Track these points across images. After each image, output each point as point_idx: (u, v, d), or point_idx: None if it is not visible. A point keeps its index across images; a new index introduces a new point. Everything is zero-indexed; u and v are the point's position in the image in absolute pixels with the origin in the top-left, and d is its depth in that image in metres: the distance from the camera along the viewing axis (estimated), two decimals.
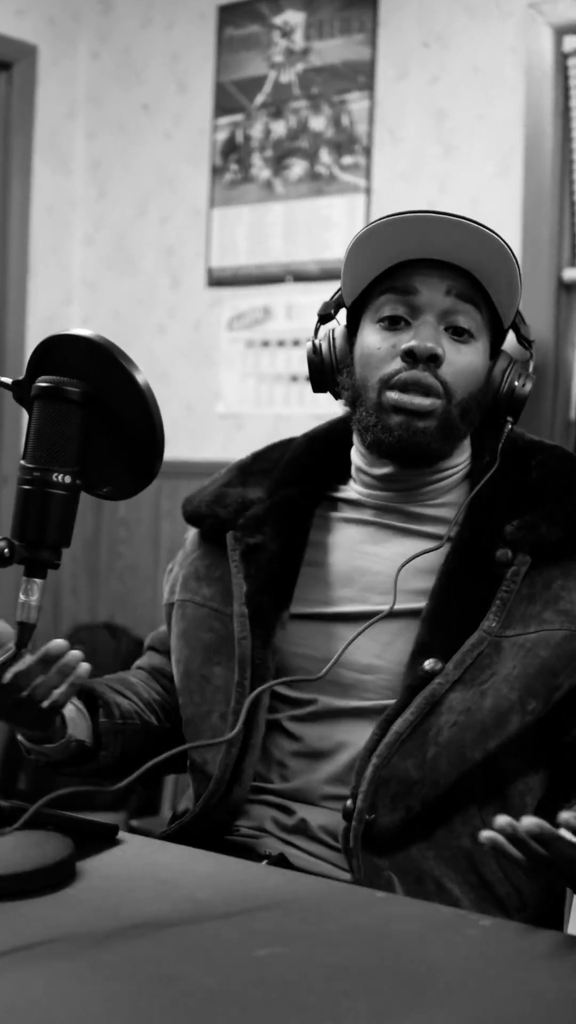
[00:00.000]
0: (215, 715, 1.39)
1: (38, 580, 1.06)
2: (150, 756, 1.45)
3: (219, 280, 3.88)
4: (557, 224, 3.28)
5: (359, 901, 1.04)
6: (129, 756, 1.46)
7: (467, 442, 1.45)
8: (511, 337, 1.47)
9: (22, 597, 1.06)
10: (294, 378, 3.67)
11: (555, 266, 3.28)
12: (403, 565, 1.36)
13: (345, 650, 1.32)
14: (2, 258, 3.98)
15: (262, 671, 1.39)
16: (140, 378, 1.04)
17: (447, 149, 3.45)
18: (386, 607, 1.35)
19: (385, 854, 1.28)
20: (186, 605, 1.48)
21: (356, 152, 3.60)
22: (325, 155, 3.66)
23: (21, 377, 1.09)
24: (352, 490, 1.48)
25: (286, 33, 3.73)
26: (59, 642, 1.25)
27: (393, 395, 1.37)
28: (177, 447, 3.85)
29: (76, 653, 1.26)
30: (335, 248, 3.62)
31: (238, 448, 3.83)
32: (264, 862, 1.30)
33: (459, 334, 1.38)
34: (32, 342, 3.98)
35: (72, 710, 1.39)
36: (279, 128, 3.75)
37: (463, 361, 1.37)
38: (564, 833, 0.99)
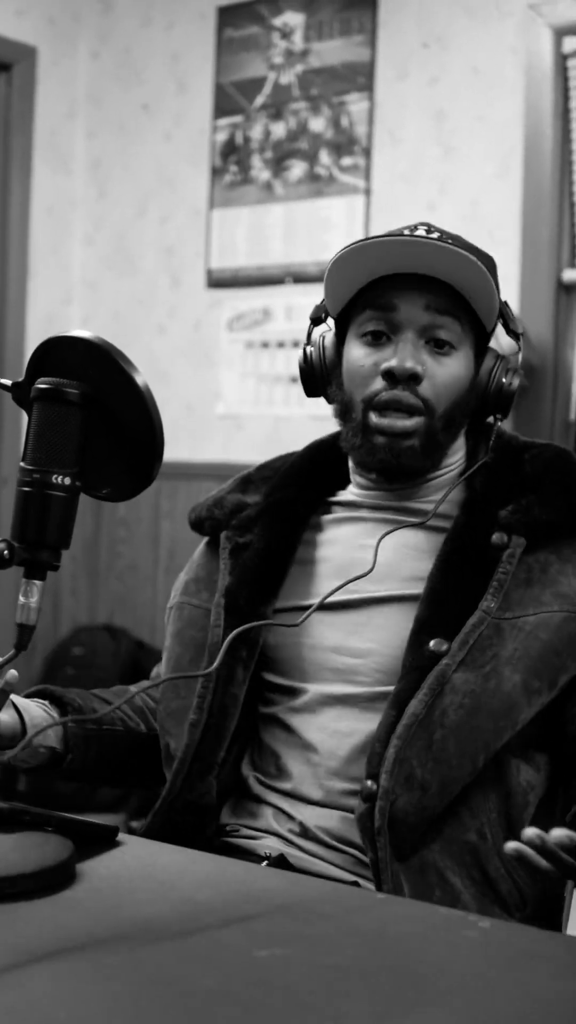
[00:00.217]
0: (198, 711, 1.41)
1: (38, 582, 1.06)
2: (135, 760, 1.46)
3: (219, 281, 3.88)
4: (556, 225, 3.29)
5: (359, 902, 1.04)
6: (110, 761, 1.48)
7: (460, 441, 1.47)
8: (499, 329, 1.49)
9: (21, 599, 1.06)
10: (294, 379, 3.67)
11: (554, 267, 3.29)
12: (384, 535, 1.37)
13: (325, 599, 1.34)
14: (2, 258, 3.98)
15: (231, 662, 1.40)
16: (139, 379, 1.04)
17: (447, 150, 3.45)
18: (380, 592, 1.38)
19: (404, 842, 1.28)
20: (184, 607, 1.51)
21: (356, 153, 3.60)
22: (325, 156, 3.66)
23: (20, 379, 1.09)
24: (349, 492, 1.50)
25: (286, 34, 3.73)
26: None
27: (376, 417, 1.39)
28: (177, 448, 3.85)
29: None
30: (334, 249, 3.62)
31: (238, 449, 3.84)
32: (264, 863, 1.30)
33: (440, 347, 1.39)
34: (32, 342, 3.98)
35: (41, 715, 1.40)
36: (279, 129, 3.75)
37: (445, 374, 1.39)
38: None
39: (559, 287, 3.30)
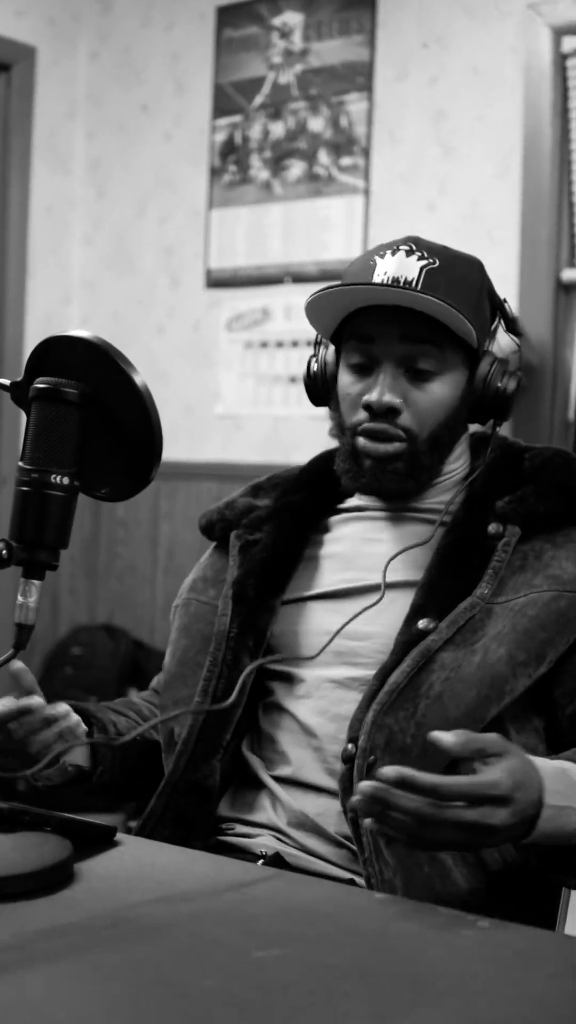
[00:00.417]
0: (197, 695, 1.43)
1: (36, 581, 1.07)
2: (155, 771, 1.46)
3: (218, 281, 3.88)
4: (556, 225, 3.29)
5: (357, 902, 1.04)
6: (132, 772, 1.51)
7: (463, 446, 1.50)
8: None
9: (20, 599, 1.07)
10: (293, 379, 3.67)
11: (554, 267, 3.29)
12: (391, 559, 1.40)
13: (338, 633, 1.36)
14: (1, 258, 3.98)
15: (237, 648, 1.43)
16: (138, 379, 1.04)
17: (446, 150, 3.45)
18: (391, 579, 1.40)
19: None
20: (190, 603, 1.54)
21: (355, 153, 3.60)
22: (324, 156, 3.66)
23: (19, 378, 1.09)
24: (355, 499, 1.53)
25: (285, 34, 3.73)
26: (40, 703, 1.32)
27: (361, 441, 1.43)
28: (176, 448, 3.85)
29: (63, 707, 1.34)
30: (334, 249, 3.62)
31: (237, 449, 3.84)
32: (259, 862, 1.30)
33: (420, 375, 1.42)
34: (31, 342, 3.98)
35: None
36: (278, 129, 3.75)
37: (427, 400, 1.42)
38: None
39: (558, 287, 3.30)
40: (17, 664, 1.30)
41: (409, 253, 1.43)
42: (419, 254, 1.43)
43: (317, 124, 3.67)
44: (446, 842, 1.08)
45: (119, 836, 1.16)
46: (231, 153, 3.86)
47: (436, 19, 3.46)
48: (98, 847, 1.12)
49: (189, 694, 1.44)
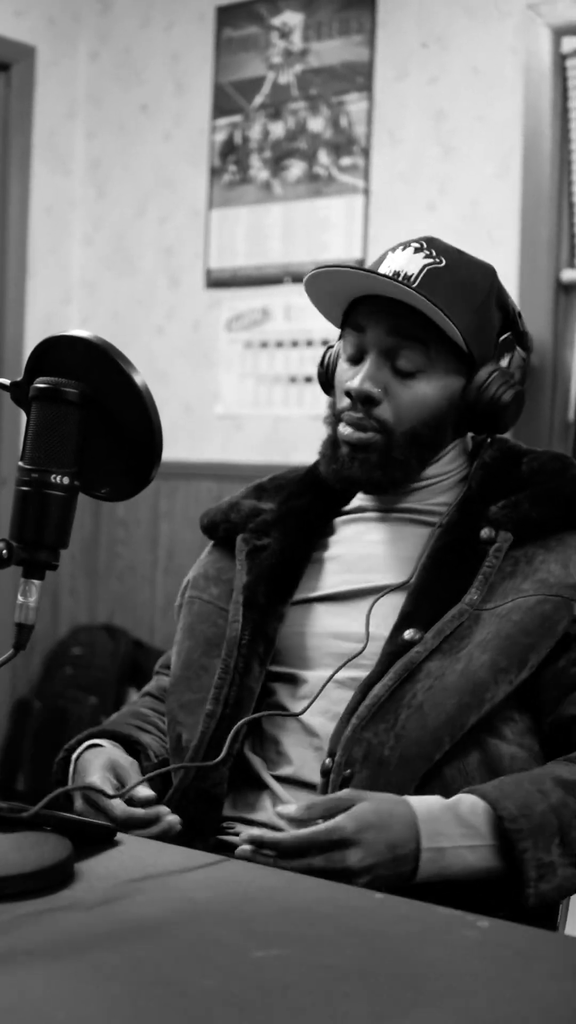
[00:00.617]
0: (212, 706, 1.43)
1: (36, 581, 1.06)
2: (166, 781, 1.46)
3: (218, 281, 3.88)
4: (556, 225, 3.29)
5: (357, 902, 1.04)
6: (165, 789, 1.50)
7: (456, 451, 1.50)
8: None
9: (20, 598, 1.06)
10: (293, 379, 3.67)
11: (553, 267, 3.29)
12: (375, 602, 1.40)
13: (325, 685, 1.37)
14: (1, 258, 3.98)
15: (248, 655, 1.43)
16: (138, 379, 1.04)
17: (446, 150, 3.45)
18: (381, 581, 1.42)
19: None
20: (194, 602, 1.54)
21: (355, 153, 3.60)
22: (324, 156, 3.66)
23: (19, 378, 1.09)
24: (356, 500, 1.54)
25: (284, 34, 3.73)
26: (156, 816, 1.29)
27: (340, 428, 1.45)
28: (176, 448, 3.85)
29: (173, 819, 1.29)
30: (333, 249, 3.62)
31: (237, 449, 3.84)
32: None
33: (403, 370, 1.42)
34: (31, 342, 3.98)
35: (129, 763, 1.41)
36: (277, 129, 3.75)
37: (408, 396, 1.42)
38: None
39: (558, 287, 3.30)
40: (144, 793, 1.28)
41: (418, 251, 1.44)
42: (427, 252, 1.44)
43: (317, 124, 3.67)
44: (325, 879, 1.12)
45: (119, 836, 1.16)
46: (231, 153, 3.86)
47: (436, 19, 3.46)
48: (98, 847, 1.12)
49: (195, 699, 1.44)
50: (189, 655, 1.49)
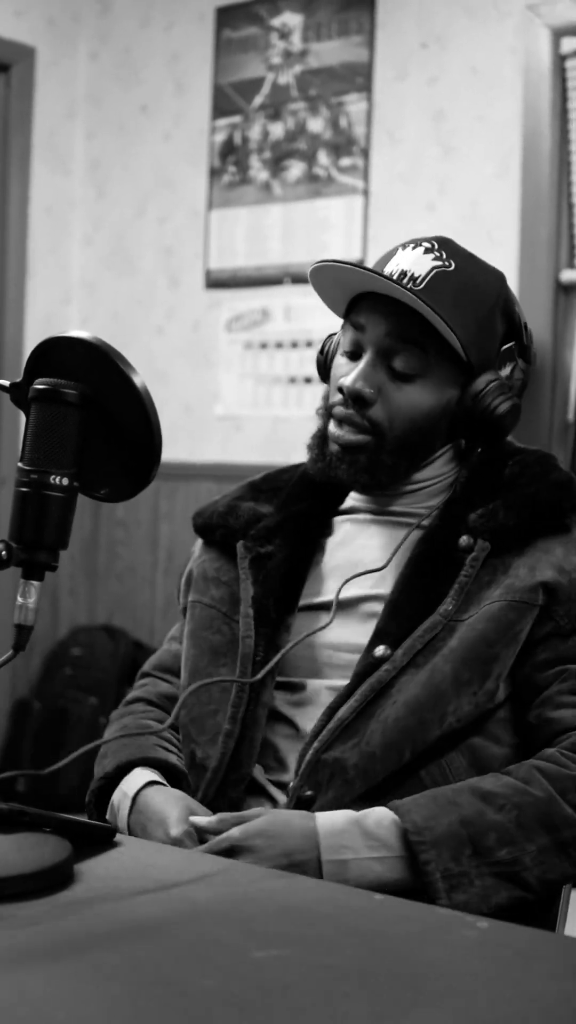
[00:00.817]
0: (220, 714, 1.41)
1: (35, 582, 1.06)
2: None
3: (217, 281, 3.88)
4: (555, 225, 3.29)
5: (357, 902, 1.04)
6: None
7: (449, 455, 1.48)
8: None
9: (20, 599, 1.06)
10: (292, 379, 3.67)
11: (553, 267, 3.29)
12: (345, 582, 1.40)
13: (284, 653, 1.37)
14: (1, 258, 3.98)
15: (267, 673, 1.41)
16: (137, 380, 1.04)
17: (446, 150, 3.45)
18: (379, 591, 1.41)
19: None
20: (195, 606, 1.51)
21: (354, 154, 3.60)
22: (323, 157, 3.66)
23: (19, 379, 1.09)
24: (350, 499, 1.53)
25: (284, 35, 3.73)
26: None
27: (331, 426, 1.43)
28: (175, 449, 3.85)
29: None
30: (333, 250, 3.62)
31: (236, 450, 3.84)
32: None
33: (399, 372, 1.40)
34: (30, 343, 3.98)
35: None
36: (277, 130, 3.75)
37: (402, 399, 1.40)
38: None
39: (557, 287, 3.30)
40: (199, 821, 1.29)
41: (429, 251, 1.42)
42: (437, 254, 1.41)
43: (316, 125, 3.67)
44: None
45: (119, 836, 1.16)
46: (231, 154, 3.86)
47: (435, 19, 3.46)
48: (98, 847, 1.12)
49: (205, 711, 1.42)
50: (195, 664, 1.47)
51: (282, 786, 1.39)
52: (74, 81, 4.17)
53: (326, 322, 1.54)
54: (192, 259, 3.95)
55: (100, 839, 1.14)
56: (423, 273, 1.39)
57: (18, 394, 1.09)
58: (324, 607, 1.44)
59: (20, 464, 1.06)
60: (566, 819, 1.25)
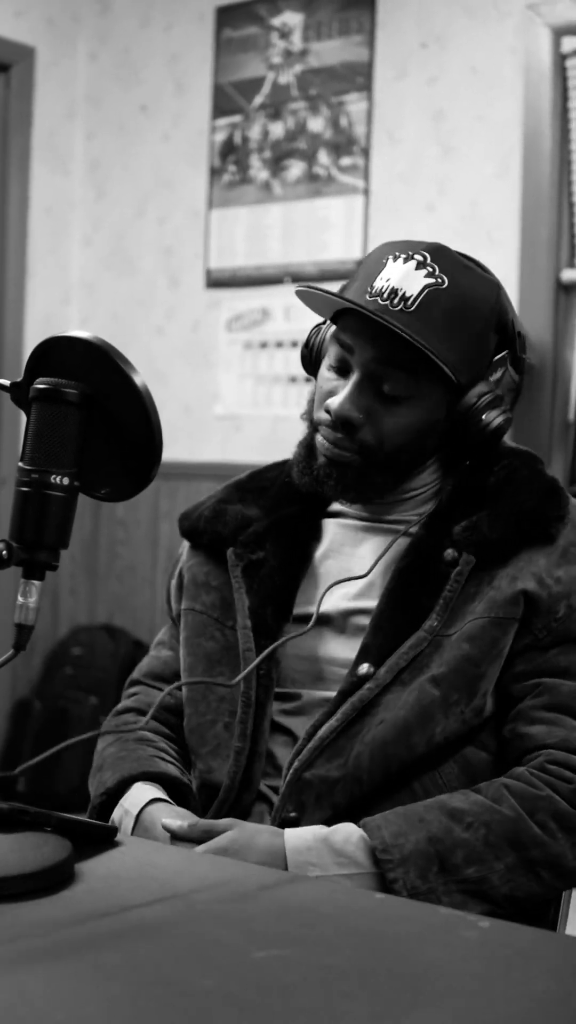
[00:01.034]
0: (219, 724, 1.41)
1: (36, 582, 1.06)
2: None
3: (217, 281, 3.88)
4: (556, 225, 3.29)
5: (357, 903, 1.04)
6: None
7: (434, 466, 1.45)
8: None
9: (20, 599, 1.06)
10: (292, 379, 3.67)
11: (553, 267, 3.29)
12: (330, 587, 1.39)
13: (264, 656, 1.36)
14: (1, 258, 3.98)
15: (266, 682, 1.40)
16: (138, 380, 1.04)
17: (446, 150, 3.45)
18: (370, 603, 1.40)
19: None
20: (188, 613, 1.50)
21: (354, 153, 3.60)
22: (323, 156, 3.66)
23: (19, 379, 1.09)
24: (336, 503, 1.50)
25: (284, 34, 3.73)
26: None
27: (320, 438, 1.40)
28: (175, 448, 3.85)
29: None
30: (333, 249, 3.63)
31: (236, 450, 3.84)
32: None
33: (387, 396, 1.36)
34: (30, 343, 3.98)
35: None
36: (277, 129, 3.75)
37: (391, 422, 1.36)
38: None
39: (558, 287, 3.30)
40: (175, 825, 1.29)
41: (420, 265, 1.35)
42: (429, 269, 1.35)
43: (317, 124, 3.67)
44: None
45: (119, 837, 1.16)
46: (231, 153, 3.86)
47: (435, 19, 3.46)
48: (98, 847, 1.12)
49: (203, 722, 1.42)
50: (191, 673, 1.46)
51: (278, 791, 1.39)
52: (74, 81, 4.17)
53: None
54: (192, 259, 3.95)
55: (100, 838, 1.14)
56: (415, 293, 1.34)
57: (19, 394, 1.08)
58: (318, 619, 1.42)
59: (21, 464, 1.06)
60: (534, 838, 1.25)
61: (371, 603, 1.40)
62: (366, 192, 3.58)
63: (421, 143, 3.49)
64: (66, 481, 1.05)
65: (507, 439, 1.48)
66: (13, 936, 0.90)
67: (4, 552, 1.04)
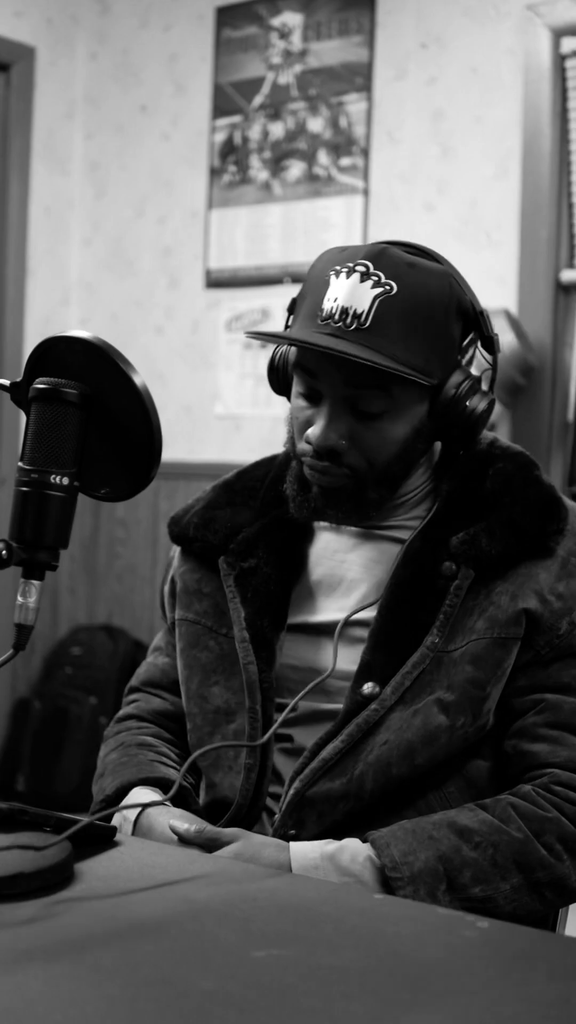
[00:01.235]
0: (217, 737, 1.40)
1: (36, 582, 1.06)
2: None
3: (217, 281, 3.88)
4: (555, 226, 3.29)
5: (356, 903, 1.04)
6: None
7: (426, 464, 1.43)
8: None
9: (20, 599, 1.06)
10: None
11: (553, 268, 3.29)
12: (343, 622, 1.38)
13: (288, 712, 1.35)
14: (0, 258, 3.98)
15: (271, 693, 1.40)
16: (138, 380, 1.04)
17: (445, 150, 3.45)
18: (365, 615, 1.38)
19: None
20: (182, 624, 1.49)
21: (354, 153, 3.60)
22: (323, 156, 3.66)
23: (19, 379, 1.09)
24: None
25: (284, 35, 3.73)
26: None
27: (306, 471, 1.37)
28: (175, 448, 3.85)
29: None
30: None
31: (236, 449, 3.84)
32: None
33: (366, 415, 1.33)
34: (30, 343, 3.98)
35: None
36: (277, 129, 3.75)
37: (375, 438, 1.33)
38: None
39: (557, 287, 3.30)
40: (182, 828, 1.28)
41: (365, 276, 1.30)
42: (375, 278, 1.30)
43: (316, 124, 3.67)
44: None
45: (119, 837, 1.16)
46: (230, 153, 3.86)
47: (435, 19, 3.46)
48: (98, 847, 1.12)
49: (202, 734, 1.42)
50: (187, 684, 1.46)
51: (278, 799, 1.38)
52: (73, 81, 4.17)
53: None
54: (192, 259, 3.95)
55: (100, 838, 1.14)
56: (365, 307, 1.29)
57: (18, 394, 1.09)
58: (314, 628, 1.42)
59: (20, 463, 1.06)
60: (541, 861, 1.25)
61: (368, 614, 1.38)
62: (366, 192, 3.58)
63: (420, 143, 3.49)
64: (66, 481, 1.05)
65: (506, 438, 1.47)
66: (13, 936, 0.90)
67: (4, 552, 1.04)
